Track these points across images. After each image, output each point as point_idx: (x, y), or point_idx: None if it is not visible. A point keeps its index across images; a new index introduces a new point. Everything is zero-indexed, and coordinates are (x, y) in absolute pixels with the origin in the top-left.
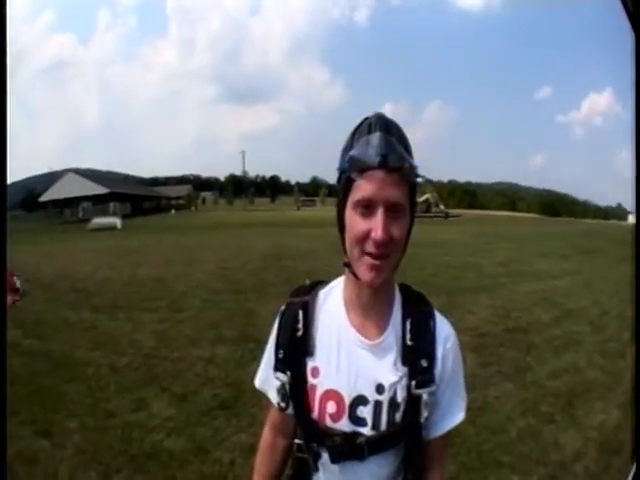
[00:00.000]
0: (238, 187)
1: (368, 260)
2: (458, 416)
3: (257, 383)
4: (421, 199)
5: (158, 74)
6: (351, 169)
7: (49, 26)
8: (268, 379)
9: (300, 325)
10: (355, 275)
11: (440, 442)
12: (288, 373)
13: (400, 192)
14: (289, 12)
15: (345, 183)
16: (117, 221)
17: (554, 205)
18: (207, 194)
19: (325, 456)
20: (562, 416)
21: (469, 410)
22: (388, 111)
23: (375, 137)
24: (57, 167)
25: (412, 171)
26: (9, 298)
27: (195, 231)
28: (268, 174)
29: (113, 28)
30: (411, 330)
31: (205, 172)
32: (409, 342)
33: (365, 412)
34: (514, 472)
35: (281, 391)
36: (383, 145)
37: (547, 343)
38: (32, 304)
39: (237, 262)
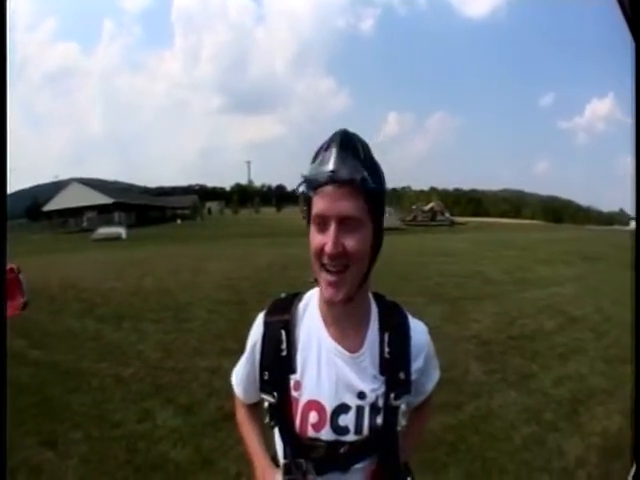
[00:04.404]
0: (244, 197)
1: (326, 276)
2: (435, 376)
3: (240, 395)
4: (426, 208)
5: (163, 84)
6: (306, 188)
7: (53, 34)
8: (250, 390)
9: (284, 346)
10: None
11: (427, 400)
12: (275, 394)
13: (353, 205)
14: (294, 22)
15: (305, 201)
16: (122, 231)
17: (558, 211)
18: (213, 204)
19: (312, 471)
20: (566, 423)
21: (474, 417)
22: (393, 120)
23: (328, 154)
24: (63, 176)
25: (365, 182)
26: (14, 306)
27: (201, 241)
28: (274, 183)
29: (118, 38)
30: (389, 343)
31: (210, 182)
32: (387, 355)
33: (347, 420)
34: None
35: (269, 410)
36: (334, 161)
37: (551, 350)
38: (37, 314)
39: (243, 272)
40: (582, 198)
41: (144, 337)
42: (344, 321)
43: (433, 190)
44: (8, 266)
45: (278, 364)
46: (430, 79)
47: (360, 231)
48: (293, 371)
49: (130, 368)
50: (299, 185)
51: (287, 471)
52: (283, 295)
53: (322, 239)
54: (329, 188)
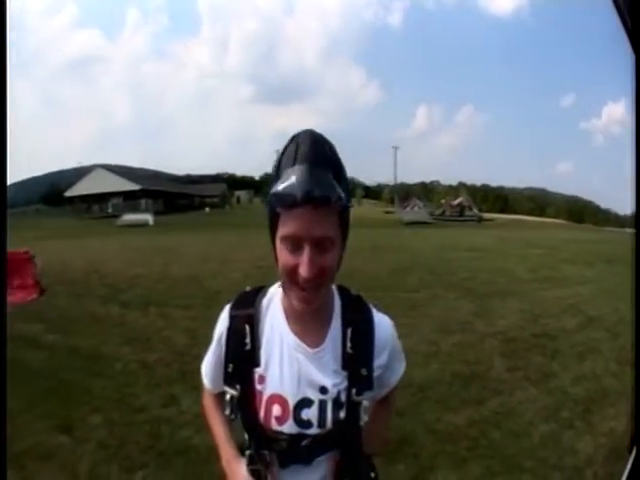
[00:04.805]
0: None
1: (298, 292)
2: (400, 370)
3: (208, 385)
4: (455, 202)
5: (191, 73)
6: (276, 204)
7: (74, 21)
8: (217, 380)
9: (248, 340)
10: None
11: (390, 393)
12: (238, 387)
13: (327, 225)
14: (323, 13)
15: (272, 216)
16: (149, 218)
17: (580, 212)
18: (242, 193)
19: (275, 462)
20: (580, 422)
21: (496, 413)
22: (422, 113)
23: (299, 170)
24: (86, 163)
25: (340, 201)
26: (29, 291)
27: (230, 229)
28: None
29: (143, 26)
30: (351, 339)
31: (239, 171)
32: (349, 350)
33: (310, 414)
34: (535, 477)
35: (230, 403)
36: (307, 180)
37: (571, 349)
38: (56, 299)
39: (272, 261)
40: (600, 199)
41: (171, 323)
42: (306, 318)
43: (462, 185)
44: (23, 249)
45: (242, 357)
46: (458, 74)
47: (333, 249)
48: (257, 365)
49: (155, 353)
50: (267, 201)
51: (251, 462)
52: (248, 288)
53: (294, 259)
54: (304, 209)
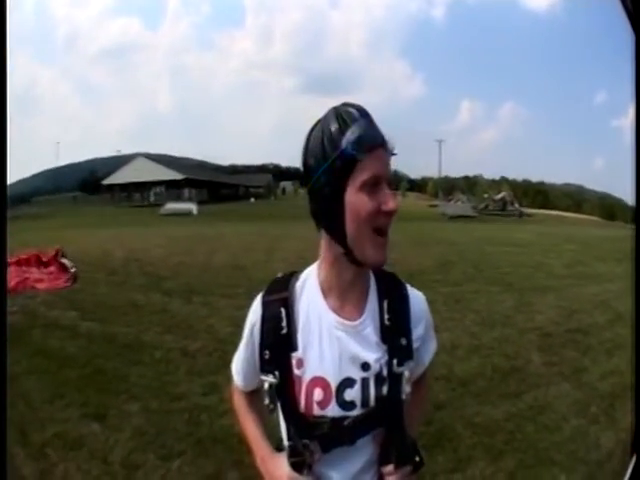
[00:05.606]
0: None
1: (376, 239)
2: (432, 347)
3: (240, 383)
4: (498, 197)
5: (235, 63)
6: (358, 150)
7: (112, 9)
8: (249, 377)
9: (284, 323)
10: (353, 261)
11: (423, 376)
12: (276, 373)
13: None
14: (367, 5)
15: (346, 166)
16: (193, 207)
17: (610, 209)
18: (287, 184)
19: (318, 450)
20: (604, 417)
21: (532, 408)
22: (466, 108)
23: (367, 121)
24: (126, 151)
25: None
26: (62, 280)
27: (275, 220)
28: None
29: (184, 16)
30: (388, 310)
31: (285, 162)
32: (387, 322)
33: (353, 394)
34: (562, 470)
35: (269, 392)
36: (376, 128)
37: (600, 345)
38: (92, 286)
39: (317, 252)
40: (628, 197)
41: (215, 312)
42: (347, 292)
43: (504, 180)
44: (54, 249)
45: (279, 342)
46: (499, 70)
47: None
48: (295, 349)
49: (198, 342)
50: (346, 147)
51: (292, 453)
52: (280, 275)
53: (374, 201)
54: (382, 151)
